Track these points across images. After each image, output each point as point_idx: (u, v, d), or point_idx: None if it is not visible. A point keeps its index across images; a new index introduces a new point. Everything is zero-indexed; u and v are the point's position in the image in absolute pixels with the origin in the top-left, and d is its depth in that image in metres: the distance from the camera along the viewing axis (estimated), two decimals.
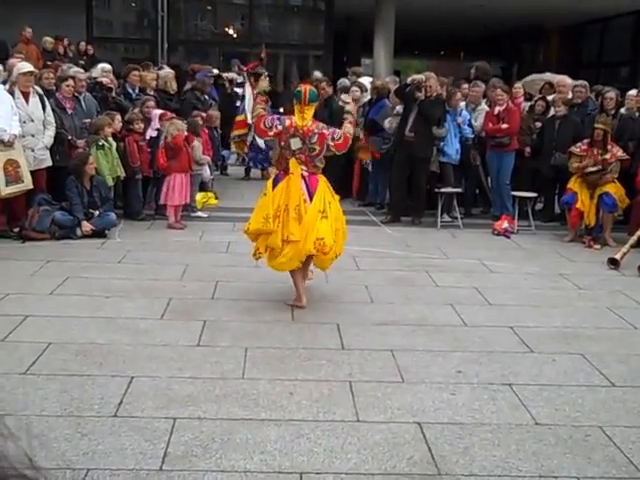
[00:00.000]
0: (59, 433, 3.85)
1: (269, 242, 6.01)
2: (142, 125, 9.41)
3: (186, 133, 9.39)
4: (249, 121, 11.96)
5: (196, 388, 4.47)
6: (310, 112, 6.07)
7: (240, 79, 14.72)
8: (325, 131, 6.04)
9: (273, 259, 6.13)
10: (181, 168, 9.15)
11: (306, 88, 6.14)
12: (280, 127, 6.03)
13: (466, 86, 10.88)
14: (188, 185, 9.30)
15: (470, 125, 10.15)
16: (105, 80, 10.18)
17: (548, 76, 13.48)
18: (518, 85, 11.10)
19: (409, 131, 9.59)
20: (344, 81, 12.27)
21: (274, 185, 6.03)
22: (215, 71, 14.03)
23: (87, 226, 8.29)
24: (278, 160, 6.25)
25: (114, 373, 4.65)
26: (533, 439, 3.99)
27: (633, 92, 10.06)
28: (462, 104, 10.30)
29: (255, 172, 13.24)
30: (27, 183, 8.16)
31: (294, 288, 6.24)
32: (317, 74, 14.77)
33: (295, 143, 5.94)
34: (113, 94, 10.05)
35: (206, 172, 10.27)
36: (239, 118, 12.83)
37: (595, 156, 8.85)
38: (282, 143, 6.02)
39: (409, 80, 9.95)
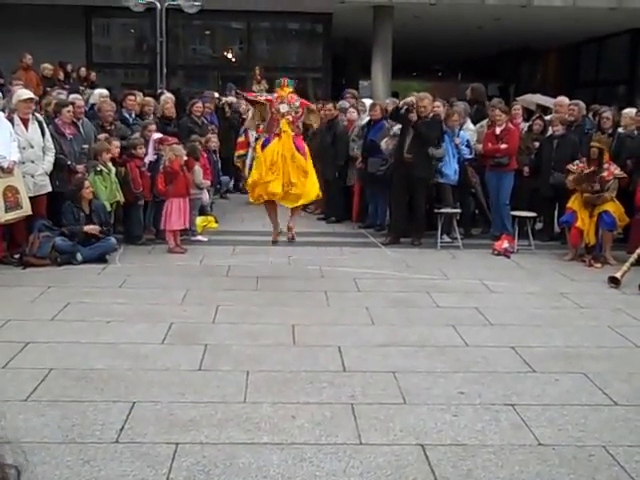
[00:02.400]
0: (60, 460, 3.84)
1: (270, 189, 7.41)
2: (144, 150, 9.44)
3: (185, 158, 9.42)
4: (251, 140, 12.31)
5: (198, 413, 4.46)
6: (288, 89, 7.85)
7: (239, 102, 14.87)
8: (304, 100, 8.15)
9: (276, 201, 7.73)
10: (178, 193, 9.15)
11: (284, 79, 8.13)
12: (270, 97, 8.00)
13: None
14: (187, 210, 9.29)
15: (468, 146, 10.17)
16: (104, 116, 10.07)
17: (537, 97, 13.63)
18: (517, 107, 11.15)
19: (406, 152, 9.61)
20: (344, 103, 12.33)
21: (263, 147, 7.56)
22: (216, 94, 14.14)
23: (92, 228, 8.32)
24: (269, 124, 7.65)
25: (115, 398, 4.64)
26: (537, 459, 3.97)
27: (631, 111, 10.11)
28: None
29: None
30: (26, 209, 8.18)
31: (271, 226, 8.13)
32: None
33: (283, 107, 7.66)
34: (115, 124, 10.03)
35: (205, 196, 10.28)
36: (240, 139, 13.05)
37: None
38: (273, 109, 7.64)
39: (401, 103, 9.92)
